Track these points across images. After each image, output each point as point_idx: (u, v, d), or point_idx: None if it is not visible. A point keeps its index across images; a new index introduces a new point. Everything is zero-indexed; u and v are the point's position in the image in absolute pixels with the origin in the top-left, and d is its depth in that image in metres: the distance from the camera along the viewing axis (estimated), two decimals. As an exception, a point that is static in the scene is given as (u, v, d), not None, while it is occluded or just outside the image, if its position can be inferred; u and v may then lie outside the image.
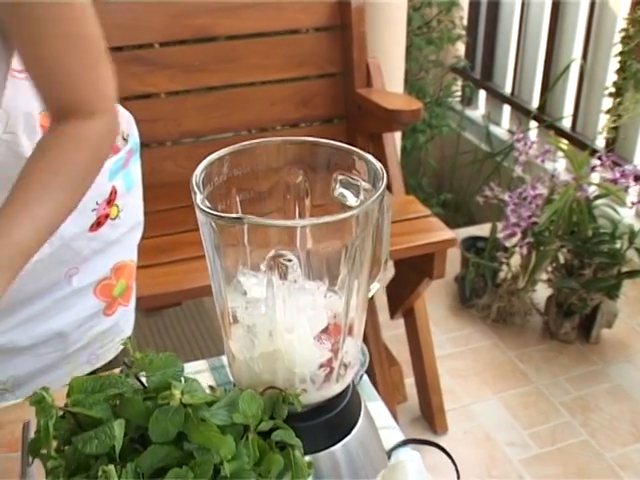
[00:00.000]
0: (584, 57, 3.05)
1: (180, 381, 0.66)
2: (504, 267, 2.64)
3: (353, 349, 0.75)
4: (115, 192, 1.11)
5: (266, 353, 0.72)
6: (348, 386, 0.79)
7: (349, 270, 0.73)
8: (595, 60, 3.04)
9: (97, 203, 1.08)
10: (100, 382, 0.66)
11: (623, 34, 2.67)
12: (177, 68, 2.16)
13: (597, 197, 2.43)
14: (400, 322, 2.37)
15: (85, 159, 0.91)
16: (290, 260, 0.67)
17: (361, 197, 0.74)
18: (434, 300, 2.83)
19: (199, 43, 2.22)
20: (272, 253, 0.68)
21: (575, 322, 2.60)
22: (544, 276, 2.60)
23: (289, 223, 0.70)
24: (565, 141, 2.65)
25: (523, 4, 3.36)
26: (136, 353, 0.66)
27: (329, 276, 0.76)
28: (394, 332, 2.49)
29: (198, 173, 0.70)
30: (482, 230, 2.99)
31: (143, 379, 0.68)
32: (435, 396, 2.26)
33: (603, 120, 2.84)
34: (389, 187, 2.27)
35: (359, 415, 0.80)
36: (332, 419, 0.77)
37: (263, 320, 0.72)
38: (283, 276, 0.71)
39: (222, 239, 0.68)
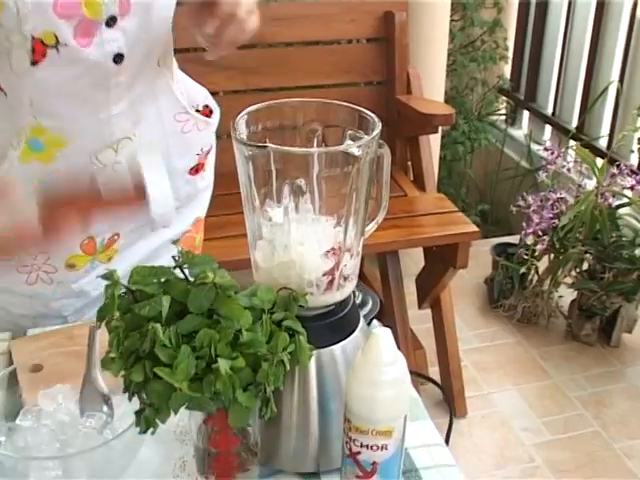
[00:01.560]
0: (621, 80, 3.20)
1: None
2: (530, 269, 2.80)
3: (351, 265, 0.94)
4: (211, 147, 1.35)
5: (282, 262, 0.92)
6: (347, 300, 0.97)
7: (349, 205, 0.92)
8: (631, 83, 3.18)
9: (202, 150, 1.31)
10: (154, 271, 0.86)
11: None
12: (236, 70, 2.39)
13: (620, 206, 2.58)
14: (428, 317, 2.54)
15: None
16: (302, 183, 0.87)
17: (364, 147, 0.93)
18: (465, 300, 3.00)
19: (257, 48, 2.44)
20: (291, 181, 0.88)
21: (596, 324, 2.74)
22: (568, 280, 2.75)
23: (305, 150, 0.90)
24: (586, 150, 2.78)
25: (566, 29, 3.52)
26: (182, 250, 0.86)
27: (336, 214, 0.96)
28: (423, 326, 2.66)
29: (238, 119, 0.90)
30: (514, 239, 3.14)
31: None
32: (456, 381, 2.42)
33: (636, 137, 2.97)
34: (423, 185, 2.46)
35: (356, 326, 0.98)
36: (333, 323, 0.95)
37: (281, 236, 0.91)
38: (297, 207, 0.90)
39: (253, 168, 0.88)
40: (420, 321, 2.63)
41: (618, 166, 2.48)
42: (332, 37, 2.51)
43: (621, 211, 2.61)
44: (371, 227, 1.00)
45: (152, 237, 1.33)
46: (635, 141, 2.95)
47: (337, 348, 0.95)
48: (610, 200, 2.52)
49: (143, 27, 1.07)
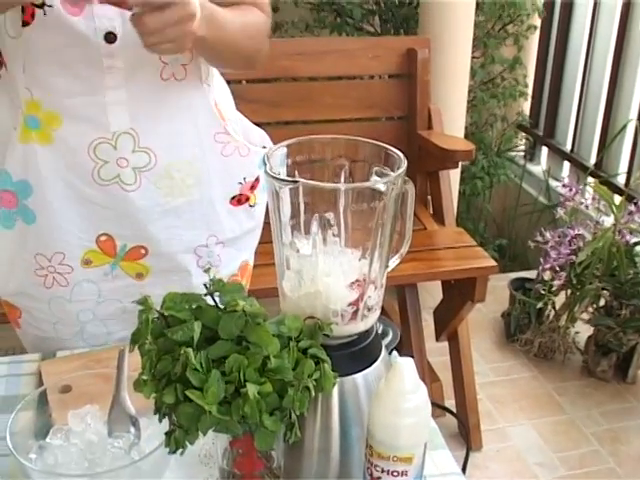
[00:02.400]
0: (640, 118, 3.23)
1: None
2: (547, 305, 2.81)
3: (375, 296, 0.97)
4: (257, 182, 1.35)
5: (309, 292, 0.95)
6: (370, 330, 1.00)
7: (375, 239, 0.95)
8: (649, 121, 3.21)
9: (244, 179, 1.32)
10: (186, 297, 0.90)
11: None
12: (261, 103, 2.44)
13: (638, 243, 2.60)
14: (445, 350, 2.56)
15: (259, 21, 1.24)
16: (330, 217, 0.90)
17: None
18: (482, 334, 3.02)
19: (281, 82, 2.49)
20: (319, 215, 0.92)
21: (612, 361, 2.74)
22: (585, 316, 2.76)
23: (332, 186, 0.93)
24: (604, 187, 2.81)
25: (585, 67, 3.56)
26: (214, 278, 0.90)
27: (362, 247, 0.99)
28: (439, 358, 2.67)
29: (269, 153, 0.94)
30: (532, 274, 3.16)
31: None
32: (472, 414, 2.43)
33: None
34: (442, 219, 2.50)
35: (378, 356, 1.01)
36: (356, 352, 0.98)
37: (309, 267, 0.95)
38: (325, 240, 0.94)
39: (284, 201, 0.92)
40: (437, 353, 2.64)
41: (636, 204, 2.51)
42: (355, 72, 2.56)
43: (638, 248, 2.63)
44: (395, 260, 1.03)
45: (195, 276, 1.33)
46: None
47: (359, 377, 0.98)
48: (627, 237, 2.54)
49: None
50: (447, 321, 2.42)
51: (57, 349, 1.31)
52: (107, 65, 1.12)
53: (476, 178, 3.37)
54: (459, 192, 3.19)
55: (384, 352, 1.04)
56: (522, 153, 3.93)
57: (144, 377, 0.86)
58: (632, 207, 2.52)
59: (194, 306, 0.89)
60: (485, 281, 2.22)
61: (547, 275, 2.71)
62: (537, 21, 3.56)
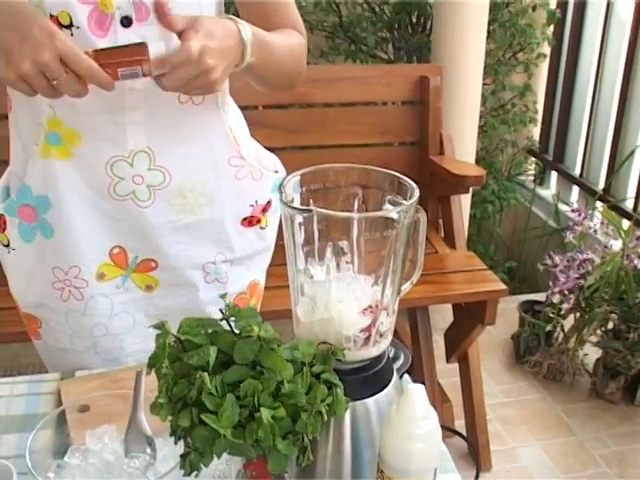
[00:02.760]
0: (647, 144, 3.22)
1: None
2: (556, 327, 2.80)
3: (387, 322, 0.97)
4: (269, 205, 1.36)
5: (323, 318, 0.95)
6: (382, 356, 1.00)
7: (387, 266, 0.95)
8: (657, 147, 3.21)
9: (256, 202, 1.33)
10: (202, 322, 0.90)
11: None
12: (276, 128, 2.45)
13: (647, 268, 2.58)
14: (455, 371, 2.55)
15: (300, 44, 1.28)
16: (344, 245, 0.90)
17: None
18: (492, 356, 3.00)
19: (296, 108, 2.51)
20: (333, 242, 0.92)
21: (620, 383, 2.72)
22: (594, 339, 2.74)
23: (346, 215, 0.93)
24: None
25: (594, 94, 3.56)
26: (229, 304, 0.90)
27: (374, 273, 0.99)
28: (450, 380, 2.66)
29: (284, 182, 0.94)
30: (541, 297, 3.14)
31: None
32: (482, 435, 2.42)
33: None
34: (453, 243, 2.49)
35: (390, 381, 1.01)
36: (368, 377, 0.98)
37: (322, 293, 0.95)
38: (338, 266, 0.94)
39: (298, 229, 0.92)
40: (447, 374, 2.63)
41: (644, 229, 2.50)
42: (369, 99, 2.57)
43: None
44: (406, 287, 1.03)
45: (202, 292, 1.34)
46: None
47: (371, 401, 0.98)
48: (635, 262, 2.52)
49: (164, 39, 1.11)
50: (457, 343, 2.41)
51: (73, 362, 1.32)
52: (129, 87, 1.13)
53: (487, 202, 3.37)
54: (470, 216, 3.18)
55: (395, 376, 1.03)
56: (532, 177, 3.93)
57: (160, 400, 0.86)
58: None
59: (210, 331, 0.90)
60: (495, 304, 2.21)
61: (556, 298, 2.69)
62: (547, 49, 3.57)
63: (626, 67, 3.31)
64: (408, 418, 0.83)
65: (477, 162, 3.12)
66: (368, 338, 0.96)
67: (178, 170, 1.23)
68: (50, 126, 1.17)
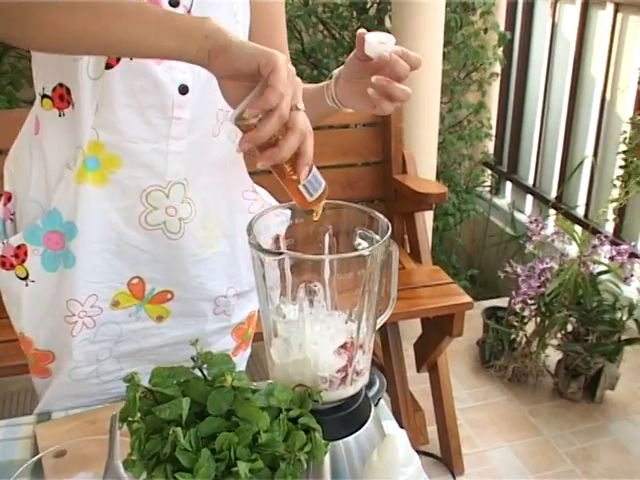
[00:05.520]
0: (595, 154, 3.19)
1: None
2: (519, 333, 2.74)
3: (363, 360, 0.89)
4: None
5: (297, 360, 0.86)
6: (360, 392, 0.92)
7: (362, 304, 0.87)
8: (604, 157, 3.17)
9: None
10: (174, 371, 0.81)
11: (626, 135, 2.80)
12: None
13: (601, 273, 2.53)
14: (426, 378, 2.47)
15: None
16: (316, 287, 0.82)
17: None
18: (458, 361, 2.93)
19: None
20: (305, 283, 0.84)
21: (581, 383, 2.67)
22: (554, 342, 2.68)
23: (317, 257, 0.85)
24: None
25: (543, 109, 3.54)
26: (201, 351, 0.81)
27: (349, 309, 0.91)
28: (421, 386, 2.58)
29: (252, 222, 0.86)
30: (503, 302, 3.09)
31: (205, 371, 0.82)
32: (453, 440, 2.34)
33: (611, 208, 2.95)
34: (419, 258, 2.42)
35: (369, 416, 0.93)
36: (346, 416, 0.90)
37: (296, 334, 0.86)
38: (311, 302, 0.86)
39: (269, 271, 0.84)
40: (418, 382, 2.55)
41: (599, 237, 2.44)
42: (332, 122, 2.48)
43: (602, 277, 2.56)
44: (381, 320, 0.95)
45: (209, 323, 1.25)
46: (610, 211, 2.93)
47: (351, 440, 0.89)
48: (591, 268, 2.47)
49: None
50: (427, 354, 2.33)
51: (70, 393, 1.21)
52: (176, 115, 1.05)
53: (448, 214, 3.31)
54: (432, 228, 3.12)
55: (374, 411, 0.95)
56: (488, 188, 3.89)
57: (133, 457, 0.77)
58: (596, 241, 2.45)
59: (182, 380, 0.81)
60: (462, 316, 2.14)
61: (518, 306, 2.63)
62: (498, 69, 3.54)
63: (572, 83, 3.29)
64: (390, 464, 0.75)
65: (437, 176, 3.06)
66: (345, 378, 0.88)
67: (200, 202, 1.14)
68: (90, 150, 1.05)
